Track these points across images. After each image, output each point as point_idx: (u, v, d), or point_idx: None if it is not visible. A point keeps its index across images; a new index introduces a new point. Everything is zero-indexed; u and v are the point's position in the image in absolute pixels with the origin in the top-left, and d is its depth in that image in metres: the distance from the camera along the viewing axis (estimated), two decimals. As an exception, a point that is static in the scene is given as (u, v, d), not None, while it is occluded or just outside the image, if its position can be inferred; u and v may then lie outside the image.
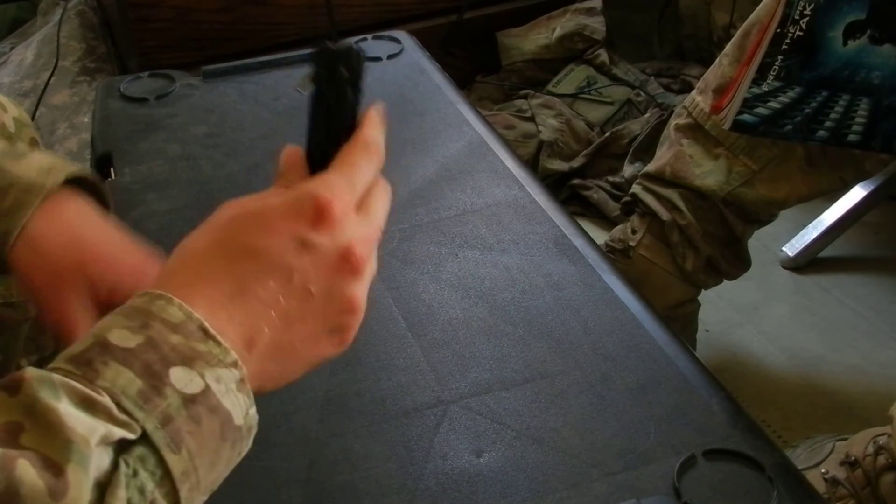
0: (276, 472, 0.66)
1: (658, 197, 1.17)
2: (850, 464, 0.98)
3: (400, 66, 1.16)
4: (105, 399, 0.39)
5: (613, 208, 1.51)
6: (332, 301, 0.47)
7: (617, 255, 1.20)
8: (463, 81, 1.80)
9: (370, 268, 0.50)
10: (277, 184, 0.49)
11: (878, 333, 1.32)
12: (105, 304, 0.57)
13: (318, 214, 0.46)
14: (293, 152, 0.51)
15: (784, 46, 0.99)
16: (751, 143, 1.10)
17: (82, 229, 0.61)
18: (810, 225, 1.46)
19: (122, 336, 0.41)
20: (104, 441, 0.39)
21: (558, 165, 1.61)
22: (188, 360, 0.42)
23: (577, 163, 1.62)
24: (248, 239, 0.45)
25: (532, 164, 1.60)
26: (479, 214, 0.91)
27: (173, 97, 1.10)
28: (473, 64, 1.88)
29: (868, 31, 0.97)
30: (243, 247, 0.45)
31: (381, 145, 0.51)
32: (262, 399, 0.71)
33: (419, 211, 0.92)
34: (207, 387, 0.42)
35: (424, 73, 1.14)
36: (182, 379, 0.41)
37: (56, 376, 0.39)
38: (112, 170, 0.99)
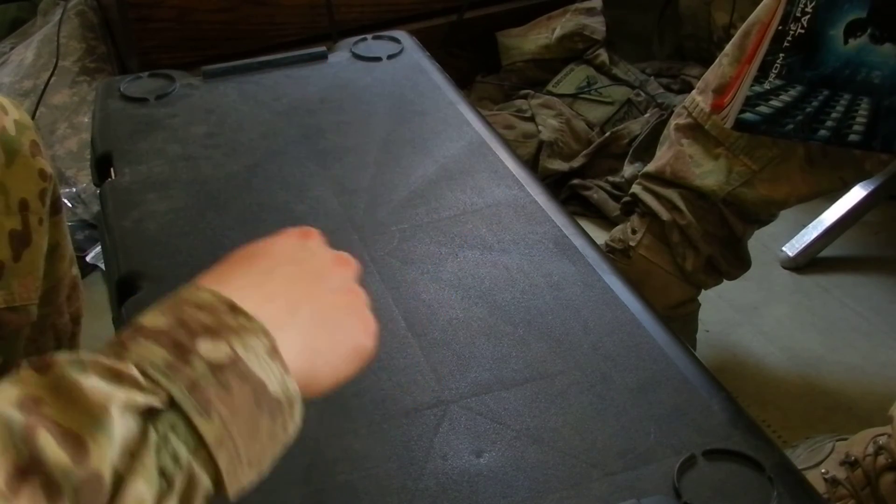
0: (275, 472, 0.65)
1: (658, 197, 1.17)
2: (850, 464, 0.98)
3: (400, 66, 1.16)
4: (132, 370, 0.40)
5: (613, 208, 1.51)
6: (344, 288, 0.54)
7: (617, 255, 1.20)
8: (463, 81, 1.80)
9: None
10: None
11: (878, 333, 1.32)
12: None
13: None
14: None
15: (785, 44, 0.99)
16: (751, 143, 1.10)
17: None
18: (810, 225, 1.46)
19: (153, 319, 0.43)
20: (127, 407, 0.39)
21: (558, 165, 1.61)
22: (215, 333, 0.43)
23: (577, 163, 1.62)
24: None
25: (532, 164, 1.60)
26: (479, 214, 0.91)
27: (173, 97, 1.10)
28: (473, 64, 1.88)
29: (869, 30, 0.97)
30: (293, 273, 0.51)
31: None
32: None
33: (419, 211, 0.91)
34: (236, 354, 0.42)
35: (424, 73, 1.14)
36: (209, 349, 0.42)
37: (86, 356, 0.40)
38: (112, 170, 0.99)
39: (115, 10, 1.68)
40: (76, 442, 0.37)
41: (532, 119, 1.67)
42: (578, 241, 0.87)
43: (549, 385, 0.72)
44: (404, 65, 1.17)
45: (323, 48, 1.20)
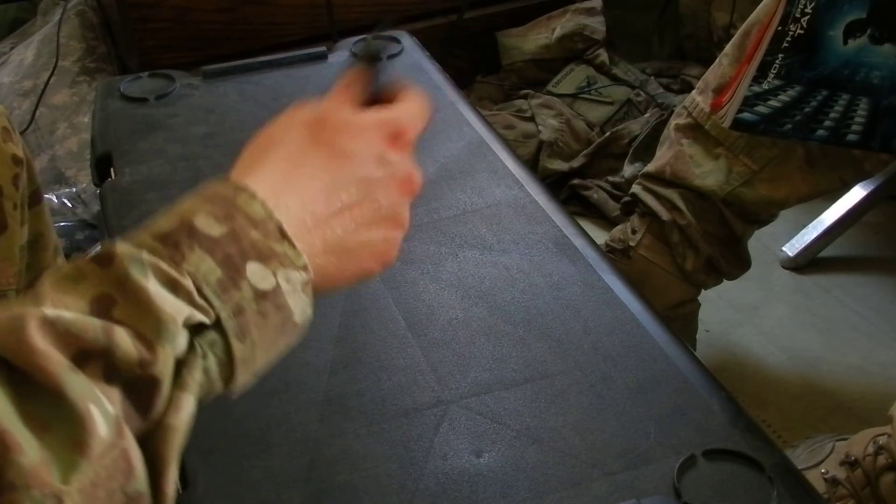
0: (276, 472, 0.66)
1: (658, 197, 1.17)
2: (850, 464, 0.98)
3: (400, 66, 1.16)
4: (188, 283, 0.42)
5: (613, 208, 1.51)
6: (392, 215, 0.52)
7: (617, 255, 1.20)
8: (463, 81, 1.79)
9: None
10: (338, 97, 0.54)
11: (878, 333, 1.32)
12: None
13: (398, 136, 0.53)
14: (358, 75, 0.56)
15: (785, 44, 0.99)
16: (751, 143, 1.10)
17: None
18: (810, 225, 1.46)
19: (207, 223, 0.44)
20: (187, 323, 0.42)
21: (558, 165, 1.61)
22: (264, 258, 0.45)
23: (577, 163, 1.62)
24: (342, 142, 0.50)
25: (532, 164, 1.59)
26: (479, 214, 0.91)
27: (173, 97, 1.10)
28: (473, 64, 1.88)
29: (868, 31, 0.97)
30: (337, 148, 0.50)
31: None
32: (263, 399, 0.71)
33: (419, 211, 0.91)
34: (278, 285, 0.45)
35: (424, 73, 1.14)
36: (257, 274, 0.44)
37: (145, 255, 0.42)
38: (112, 170, 0.99)
39: (115, 10, 1.68)
40: (147, 346, 0.40)
41: (532, 119, 1.67)
42: (578, 241, 0.87)
43: (549, 385, 0.72)
44: (404, 65, 1.17)
45: (323, 48, 1.20)
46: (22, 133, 1.48)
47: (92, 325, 0.39)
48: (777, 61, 1.00)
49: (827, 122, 1.03)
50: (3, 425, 0.35)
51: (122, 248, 0.42)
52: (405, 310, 0.79)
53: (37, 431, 0.36)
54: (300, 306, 0.47)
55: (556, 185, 1.60)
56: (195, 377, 0.42)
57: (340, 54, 1.19)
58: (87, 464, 0.37)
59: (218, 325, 0.43)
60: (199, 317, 0.42)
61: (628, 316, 0.78)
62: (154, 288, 0.41)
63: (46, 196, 1.02)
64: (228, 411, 0.70)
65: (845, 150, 1.07)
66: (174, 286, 0.42)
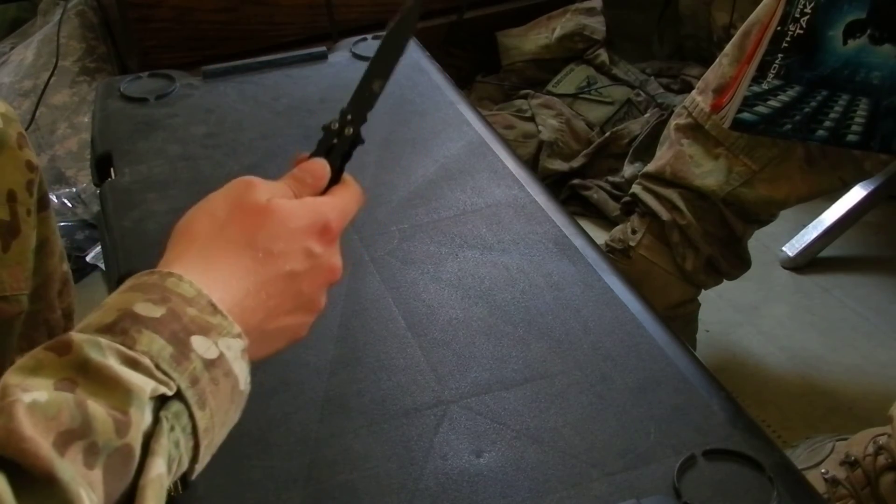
0: (276, 472, 0.66)
1: (658, 197, 1.17)
2: (850, 464, 0.98)
3: (400, 66, 1.16)
4: (146, 360, 0.44)
5: (613, 208, 1.51)
6: (312, 302, 0.55)
7: (617, 255, 1.20)
8: (463, 81, 1.80)
9: None
10: (289, 183, 0.58)
11: (878, 333, 1.32)
12: None
13: (326, 232, 0.55)
14: (316, 166, 0.60)
15: (784, 45, 0.99)
16: (751, 143, 1.10)
17: None
18: (810, 225, 1.46)
19: (146, 308, 0.46)
20: (152, 394, 0.43)
21: (558, 165, 1.61)
22: (204, 330, 0.47)
23: (577, 163, 1.62)
24: (270, 243, 0.53)
25: (532, 164, 1.60)
26: (479, 214, 0.91)
27: (173, 97, 1.10)
28: (473, 64, 1.88)
29: (868, 31, 0.97)
30: (265, 249, 0.52)
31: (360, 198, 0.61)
32: (263, 399, 0.71)
33: (419, 211, 0.92)
34: (221, 353, 0.47)
35: (424, 73, 1.14)
36: (202, 346, 0.46)
37: (102, 339, 0.44)
38: (112, 170, 0.99)
39: (115, 10, 1.68)
40: (121, 413, 0.42)
41: (532, 119, 1.67)
42: (578, 241, 0.87)
43: (549, 385, 0.72)
44: (404, 65, 1.16)
45: (323, 48, 1.20)
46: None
47: (66, 403, 0.40)
48: (777, 61, 1.01)
49: (827, 123, 1.03)
50: None
51: (77, 336, 0.43)
52: (405, 310, 0.79)
53: None
54: (243, 373, 0.49)
55: (556, 185, 1.60)
56: (162, 444, 0.43)
57: (340, 54, 1.19)
58: None
59: (179, 395, 0.45)
60: (163, 389, 0.44)
61: (628, 316, 0.78)
62: (116, 365, 0.43)
63: (46, 196, 1.02)
64: (228, 411, 0.70)
65: (845, 150, 1.07)
66: (134, 364, 0.43)
